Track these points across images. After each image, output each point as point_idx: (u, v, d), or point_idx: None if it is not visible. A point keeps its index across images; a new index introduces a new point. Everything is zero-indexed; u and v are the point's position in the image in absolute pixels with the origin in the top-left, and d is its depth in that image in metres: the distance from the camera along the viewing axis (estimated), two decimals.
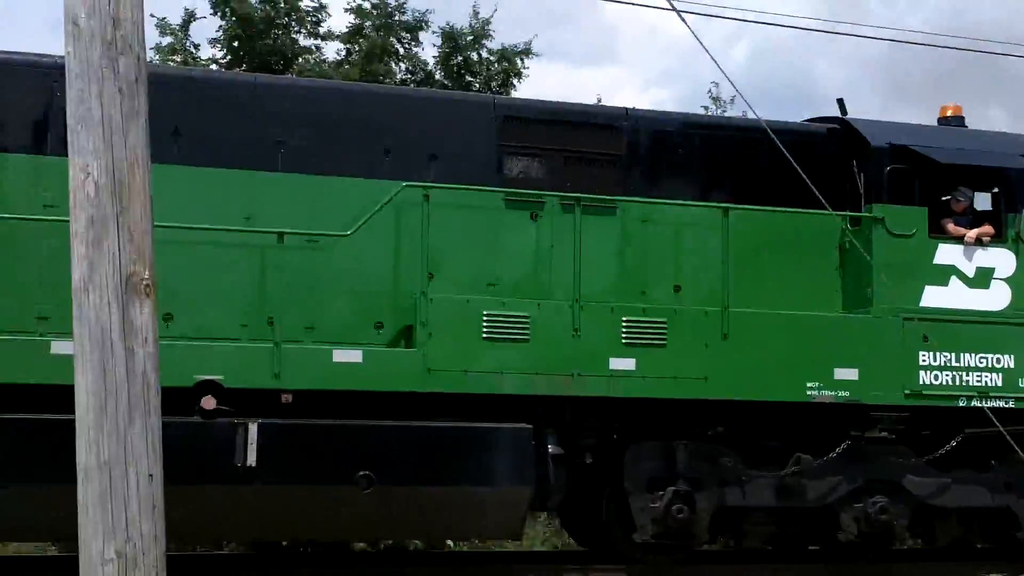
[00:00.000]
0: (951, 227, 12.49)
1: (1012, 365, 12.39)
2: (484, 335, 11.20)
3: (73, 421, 5.20)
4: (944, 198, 12.55)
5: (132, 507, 5.08)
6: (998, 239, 12.61)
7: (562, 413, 11.53)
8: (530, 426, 11.21)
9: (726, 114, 21.02)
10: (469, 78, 22.13)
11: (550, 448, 11.43)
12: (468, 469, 11.13)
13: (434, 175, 11.61)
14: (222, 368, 10.65)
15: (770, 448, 12.06)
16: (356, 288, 11.22)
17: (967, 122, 13.68)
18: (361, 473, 10.81)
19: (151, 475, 5.14)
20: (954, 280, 12.44)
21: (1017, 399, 12.35)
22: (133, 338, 5.12)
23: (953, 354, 12.21)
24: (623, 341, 11.51)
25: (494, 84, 21.92)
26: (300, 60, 21.74)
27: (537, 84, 43.16)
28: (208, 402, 10.59)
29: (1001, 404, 12.29)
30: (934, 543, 13.07)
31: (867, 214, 12.25)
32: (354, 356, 10.96)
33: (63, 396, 7.87)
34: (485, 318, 11.22)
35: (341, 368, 10.90)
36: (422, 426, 10.99)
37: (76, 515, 5.24)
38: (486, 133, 11.91)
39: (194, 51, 21.66)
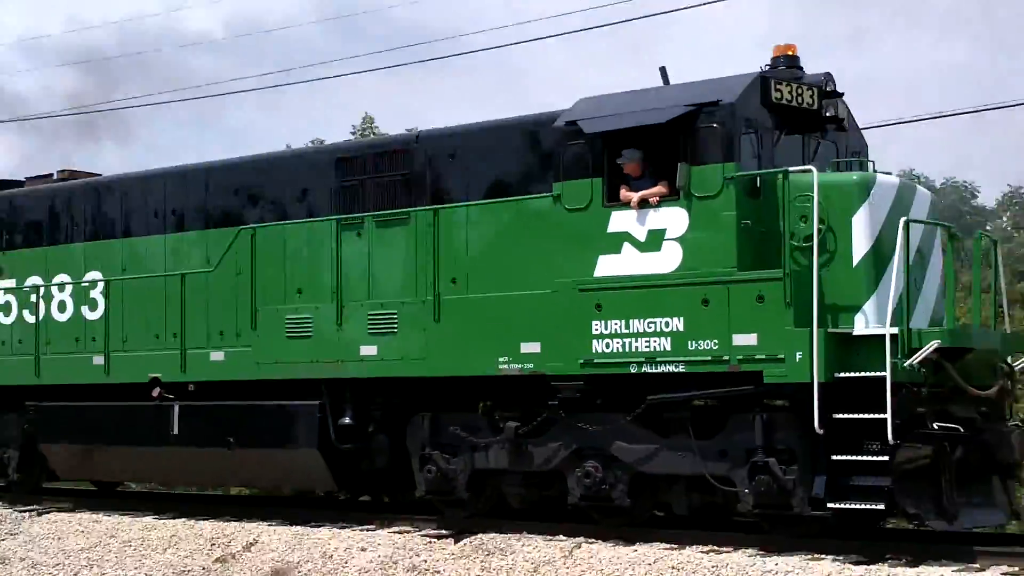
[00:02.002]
0: (623, 193, 12.32)
1: (681, 328, 11.94)
2: (287, 334, 14.65)
3: None
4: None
5: None
6: (672, 197, 12.09)
7: (345, 392, 14.32)
8: (316, 402, 14.35)
9: None
10: None
11: (346, 420, 14.36)
12: (279, 435, 14.73)
13: (305, 213, 15.06)
14: (161, 368, 15.73)
15: (509, 417, 13.31)
16: (235, 305, 15.27)
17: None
18: (227, 437, 15.14)
19: None
20: (627, 246, 12.31)
21: (688, 363, 11.90)
22: None
23: (623, 321, 12.26)
24: (368, 331, 14.01)
25: None
26: None
27: None
28: (155, 392, 15.76)
29: (672, 369, 12.01)
30: (671, 511, 12.74)
31: (545, 195, 12.81)
32: (219, 356, 15.27)
33: None
34: (287, 321, 14.65)
35: (215, 365, 15.28)
36: (249, 405, 14.91)
37: None
38: (328, 175, 14.96)
39: None
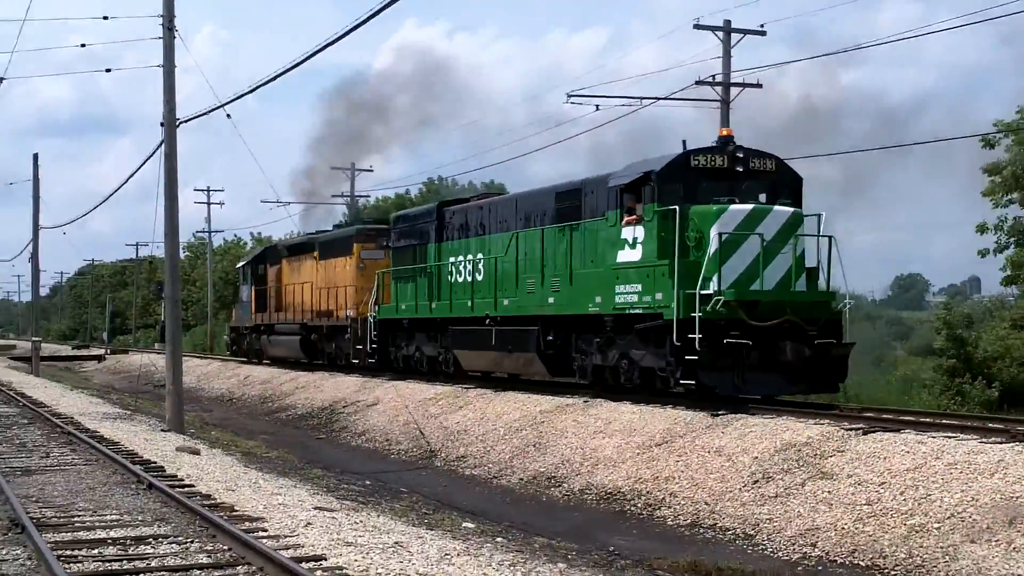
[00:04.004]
0: (626, 218, 23.10)
1: (640, 289, 22.70)
2: (527, 291, 26.89)
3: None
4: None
5: None
6: (639, 221, 22.73)
7: (547, 323, 26.18)
8: (535, 328, 26.42)
9: None
10: None
11: (550, 337, 26.22)
12: (522, 345, 26.94)
13: (543, 224, 26.99)
14: (489, 309, 28.54)
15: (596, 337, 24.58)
16: (513, 275, 27.62)
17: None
18: (502, 343, 27.66)
19: None
20: (627, 247, 23.21)
21: (642, 308, 22.64)
22: None
23: (625, 286, 23.18)
24: (552, 290, 25.87)
25: None
26: None
27: None
28: (487, 321, 28.58)
29: (638, 311, 22.78)
30: (654, 389, 23.13)
31: (601, 218, 23.88)
32: (507, 302, 27.80)
33: None
34: (528, 284, 26.84)
35: (505, 307, 27.86)
36: (511, 329, 27.24)
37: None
38: (552, 202, 26.79)
39: None
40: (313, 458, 25.10)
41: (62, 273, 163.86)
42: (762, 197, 22.85)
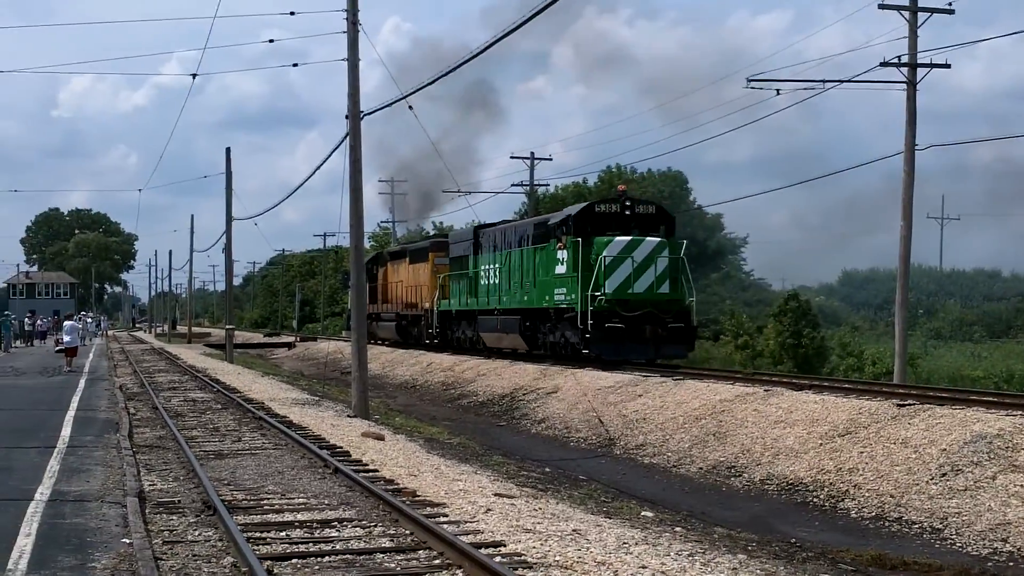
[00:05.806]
0: (559, 244, 34.91)
1: (566, 292, 34.74)
2: (514, 292, 39.32)
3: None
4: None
5: None
6: (565, 247, 34.51)
7: (527, 314, 38.18)
8: (518, 317, 38.65)
9: None
10: None
11: (527, 323, 38.24)
12: (512, 329, 39.20)
13: (526, 245, 38.94)
14: (496, 304, 40.83)
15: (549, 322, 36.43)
16: (507, 281, 39.61)
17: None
18: (503, 328, 39.83)
19: None
20: (559, 263, 35.28)
21: (567, 303, 34.60)
22: None
23: (558, 289, 35.06)
24: (525, 291, 37.99)
25: None
26: None
27: None
28: (495, 312, 40.72)
29: (565, 305, 34.67)
30: (579, 357, 34.72)
31: (547, 244, 35.75)
32: (505, 299, 40.17)
33: None
34: (513, 287, 39.00)
35: (504, 302, 40.23)
36: (506, 318, 39.44)
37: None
38: (531, 230, 38.74)
39: None
40: (494, 445, 25.36)
41: (254, 263, 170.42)
42: (643, 231, 34.45)
